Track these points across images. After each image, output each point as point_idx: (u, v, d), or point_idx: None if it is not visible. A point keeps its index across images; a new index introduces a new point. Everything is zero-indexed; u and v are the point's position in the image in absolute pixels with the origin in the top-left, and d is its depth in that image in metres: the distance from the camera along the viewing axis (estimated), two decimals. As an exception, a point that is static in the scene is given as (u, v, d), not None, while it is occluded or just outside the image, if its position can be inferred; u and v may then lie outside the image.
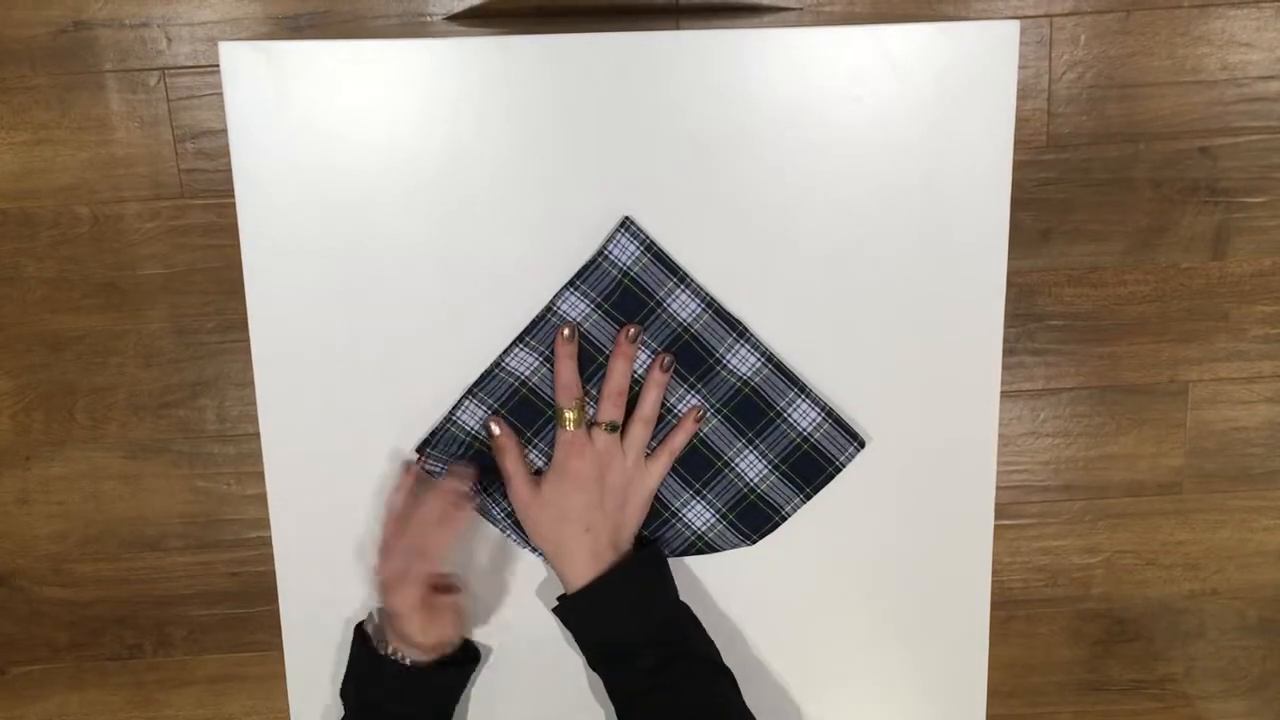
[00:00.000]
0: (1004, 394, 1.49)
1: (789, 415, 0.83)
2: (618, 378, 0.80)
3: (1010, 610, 1.61)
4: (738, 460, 0.84)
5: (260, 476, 1.52)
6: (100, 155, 1.44)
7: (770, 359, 0.82)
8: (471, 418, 0.82)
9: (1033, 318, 1.51)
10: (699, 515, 0.85)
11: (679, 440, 0.83)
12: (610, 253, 0.80)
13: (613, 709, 0.81)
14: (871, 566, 0.87)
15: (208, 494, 1.55)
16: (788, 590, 0.87)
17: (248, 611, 1.60)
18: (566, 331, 0.79)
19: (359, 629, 0.84)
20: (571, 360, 0.80)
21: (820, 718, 0.89)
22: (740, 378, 0.82)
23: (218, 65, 1.43)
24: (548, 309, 0.81)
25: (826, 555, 0.86)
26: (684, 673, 0.78)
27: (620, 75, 0.77)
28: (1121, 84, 1.44)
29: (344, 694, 0.83)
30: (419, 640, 0.80)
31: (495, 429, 0.81)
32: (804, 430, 0.83)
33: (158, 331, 1.49)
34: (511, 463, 0.81)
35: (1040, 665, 1.64)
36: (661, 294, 0.81)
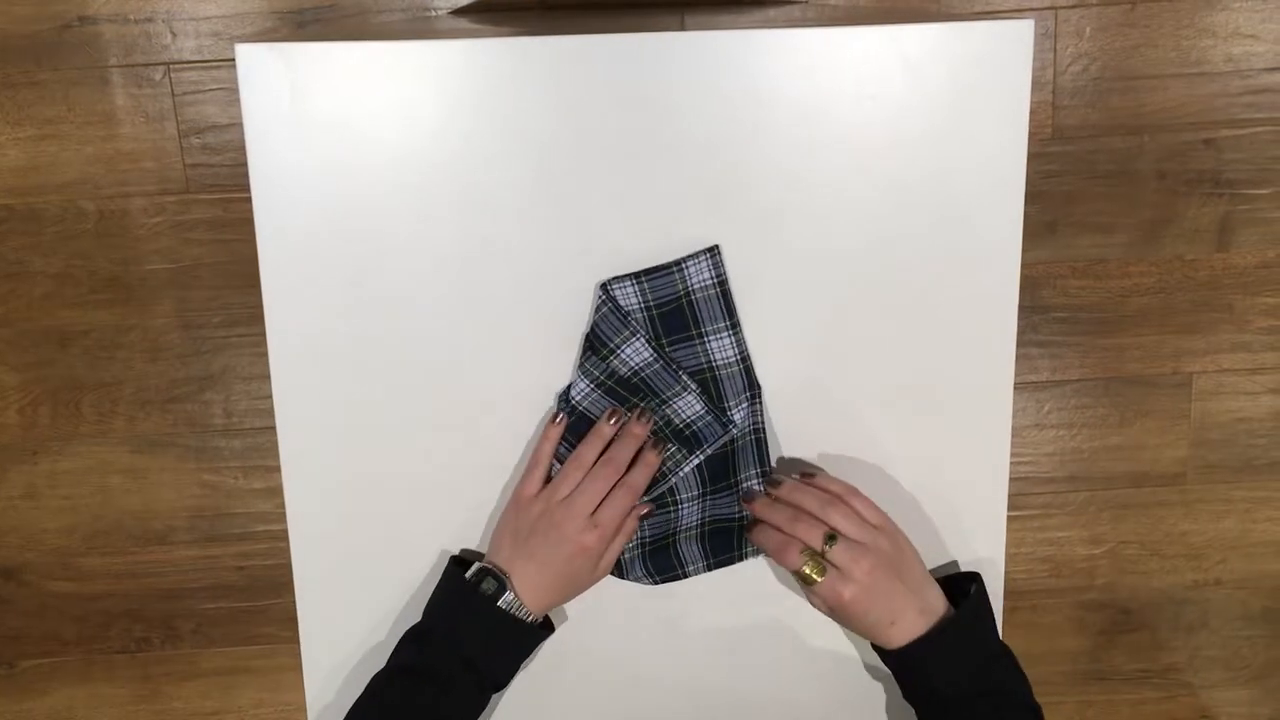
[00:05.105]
0: (1009, 386, 1.50)
1: (743, 489, 0.84)
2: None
3: (1015, 600, 1.62)
4: (683, 506, 0.85)
5: (267, 470, 1.53)
6: (105, 150, 1.43)
7: (757, 429, 0.83)
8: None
9: (1037, 310, 1.51)
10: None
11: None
12: (687, 266, 0.80)
13: None
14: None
15: (215, 488, 1.56)
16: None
17: (255, 605, 1.61)
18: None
19: (456, 562, 0.84)
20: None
21: (833, 711, 0.90)
22: (734, 434, 0.83)
23: (223, 60, 1.43)
24: (601, 288, 0.80)
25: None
26: None
27: (632, 76, 0.77)
28: (1126, 76, 1.44)
29: (429, 627, 0.81)
30: (560, 592, 0.81)
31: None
32: (744, 510, 0.84)
33: (164, 326, 1.49)
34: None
35: (1044, 655, 1.64)
36: (709, 328, 0.81)
